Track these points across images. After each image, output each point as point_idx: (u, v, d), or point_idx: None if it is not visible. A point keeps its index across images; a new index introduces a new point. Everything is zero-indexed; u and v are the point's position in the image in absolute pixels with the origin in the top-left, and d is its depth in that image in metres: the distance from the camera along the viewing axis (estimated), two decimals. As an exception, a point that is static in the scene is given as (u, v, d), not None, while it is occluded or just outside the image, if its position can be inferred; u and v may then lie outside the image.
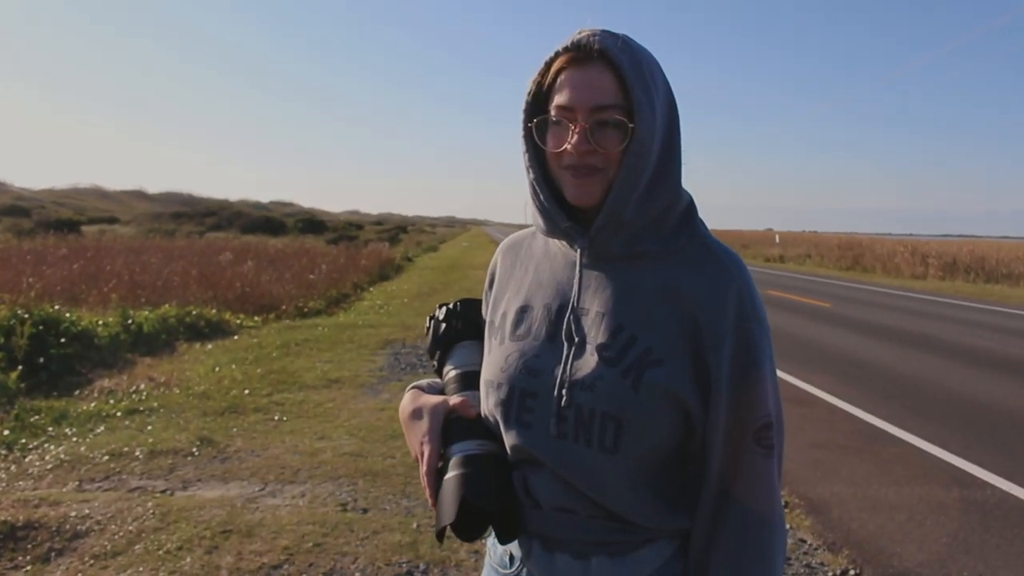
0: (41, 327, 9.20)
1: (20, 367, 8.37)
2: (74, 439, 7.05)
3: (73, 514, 5.24)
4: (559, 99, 1.48)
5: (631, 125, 1.43)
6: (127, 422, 7.51)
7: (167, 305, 13.09)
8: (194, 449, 6.69)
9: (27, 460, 6.66)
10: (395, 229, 60.70)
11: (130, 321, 11.01)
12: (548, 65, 1.52)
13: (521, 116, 1.56)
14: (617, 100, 1.43)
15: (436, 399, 1.61)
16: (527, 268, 1.69)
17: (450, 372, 1.68)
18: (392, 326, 14.14)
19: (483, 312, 1.77)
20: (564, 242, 1.61)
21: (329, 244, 36.17)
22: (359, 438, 7.05)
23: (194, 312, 12.84)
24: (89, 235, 34.39)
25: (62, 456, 6.60)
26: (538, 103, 1.54)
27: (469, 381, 1.65)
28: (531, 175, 1.56)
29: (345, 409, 8.08)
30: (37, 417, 7.52)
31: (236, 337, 12.54)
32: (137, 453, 6.58)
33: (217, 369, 9.77)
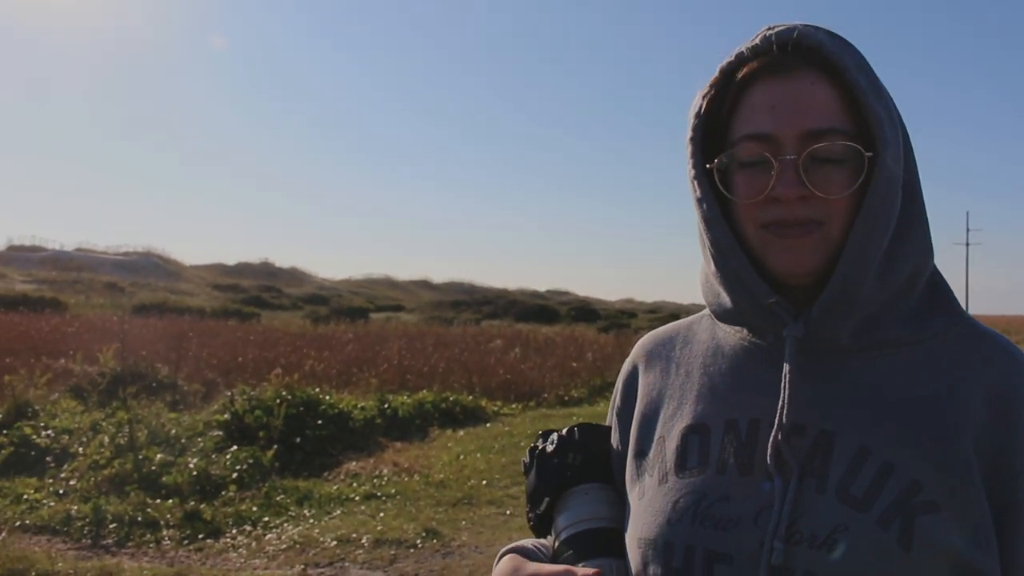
0: (301, 408, 9.62)
1: (276, 446, 8.73)
2: (311, 520, 7.17)
3: (286, 601, 5.20)
4: (749, 126, 1.03)
5: (868, 155, 0.99)
6: (363, 507, 7.56)
7: (425, 391, 13.40)
8: (419, 541, 6.55)
9: (266, 538, 6.83)
10: (668, 317, 60.05)
11: (386, 405, 11.32)
12: (727, 75, 1.06)
13: (686, 148, 1.10)
14: (839, 122, 1.00)
15: (551, 569, 1.07)
16: (689, 373, 1.16)
17: (564, 531, 1.15)
18: (648, 419, 13.64)
19: (614, 440, 1.24)
20: (746, 330, 1.11)
21: (600, 332, 36.24)
22: (588, 540, 6.63)
23: (451, 398, 13.04)
24: (375, 322, 36.75)
25: (296, 537, 6.71)
26: (713, 130, 1.08)
27: (597, 544, 1.12)
28: (711, 233, 1.07)
29: (581, 506, 7.69)
30: (283, 496, 7.76)
31: (489, 424, 12.56)
32: (364, 540, 6.54)
33: (461, 457, 9.74)
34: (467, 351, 21.27)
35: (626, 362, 1.29)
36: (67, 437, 9.32)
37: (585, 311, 54.50)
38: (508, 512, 7.49)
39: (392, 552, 6.34)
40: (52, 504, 7.73)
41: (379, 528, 6.83)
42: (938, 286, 1.09)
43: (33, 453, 9.05)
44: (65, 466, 8.65)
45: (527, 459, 1.24)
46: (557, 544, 1.15)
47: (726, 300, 1.09)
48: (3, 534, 6.93)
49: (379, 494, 7.93)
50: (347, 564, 6.13)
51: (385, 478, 8.55)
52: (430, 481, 8.44)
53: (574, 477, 1.18)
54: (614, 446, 1.24)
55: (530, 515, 1.22)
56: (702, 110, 1.08)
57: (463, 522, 7.15)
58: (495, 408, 14.09)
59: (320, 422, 9.70)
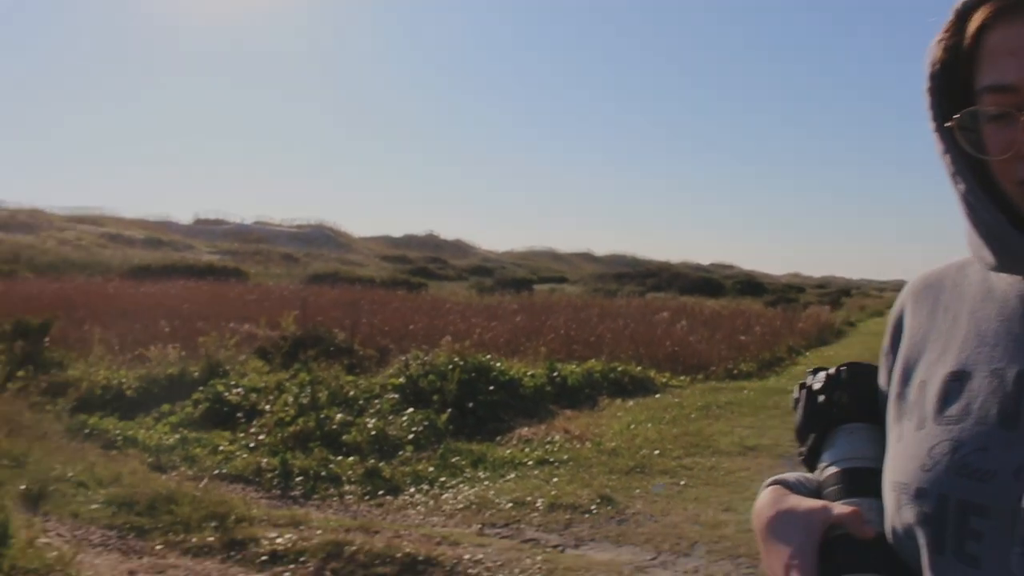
0: (473, 374, 9.77)
1: (450, 410, 8.91)
2: (486, 482, 7.28)
3: (467, 556, 5.29)
4: (990, 77, 0.94)
5: None
6: (536, 471, 7.61)
7: (593, 360, 13.38)
8: (593, 506, 6.54)
9: (443, 497, 6.99)
10: (837, 292, 57.55)
11: (555, 373, 11.37)
12: (961, 18, 0.98)
13: (925, 98, 1.03)
14: None
15: (810, 504, 1.07)
16: (956, 317, 1.11)
17: (829, 467, 1.16)
18: (823, 394, 13.12)
19: (880, 381, 1.21)
20: (1021, 278, 1.05)
21: (767, 306, 35.26)
22: (767, 514, 6.42)
23: (619, 368, 12.97)
24: (539, 293, 37.04)
25: (472, 498, 6.82)
26: (952, 75, 1.00)
27: (858, 482, 1.12)
28: (961, 186, 1.02)
29: (758, 480, 7.45)
30: (458, 458, 7.92)
31: (658, 395, 12.43)
32: (538, 504, 6.58)
33: (632, 426, 9.67)
34: (633, 323, 21.12)
35: (895, 304, 1.24)
36: (255, 395, 9.82)
37: (751, 285, 53.21)
38: (682, 483, 7.37)
39: (567, 516, 6.36)
40: (244, 456, 8.16)
41: (553, 493, 6.86)
42: None
43: (226, 409, 9.59)
44: (254, 422, 9.12)
45: (796, 394, 1.24)
46: (821, 479, 1.15)
47: (986, 253, 1.02)
48: (205, 480, 7.38)
49: (551, 460, 7.97)
50: (523, 526, 6.19)
51: (557, 444, 8.58)
52: (602, 449, 8.41)
53: (839, 415, 1.18)
54: (880, 386, 1.19)
55: (800, 449, 1.23)
56: (939, 58, 1.00)
57: (636, 490, 7.08)
58: (663, 380, 13.93)
59: (492, 388, 9.83)
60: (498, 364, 10.66)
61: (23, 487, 6.99)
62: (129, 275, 34.78)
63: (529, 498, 6.72)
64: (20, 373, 10.56)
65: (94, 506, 6.77)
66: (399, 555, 5.33)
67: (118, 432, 9.15)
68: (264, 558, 5.61)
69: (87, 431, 9.16)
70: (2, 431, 8.44)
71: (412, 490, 7.25)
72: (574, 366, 12.47)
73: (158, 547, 5.97)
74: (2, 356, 11.35)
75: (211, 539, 5.97)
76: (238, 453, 8.29)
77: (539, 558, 5.34)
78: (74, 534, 6.27)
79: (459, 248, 79.80)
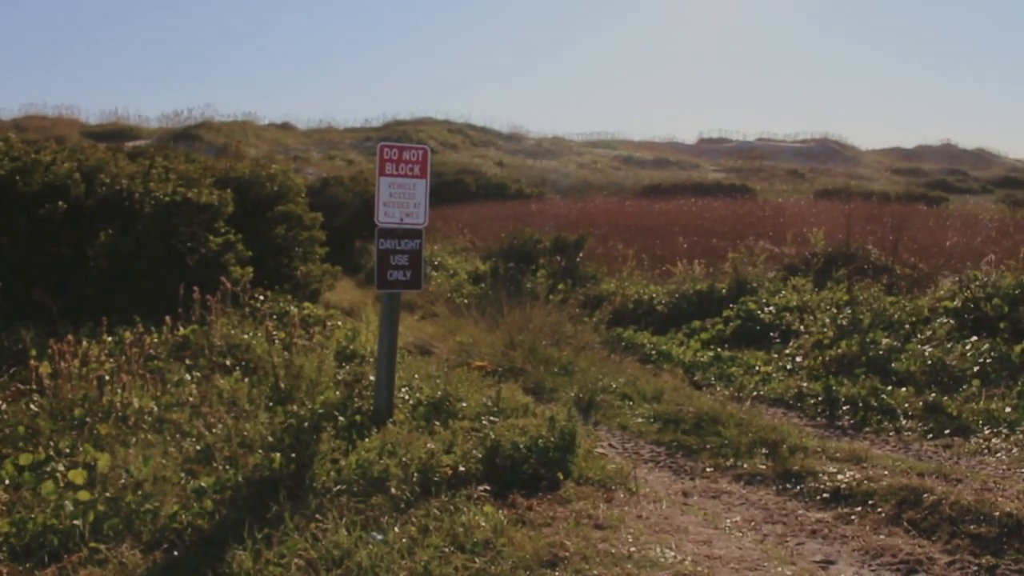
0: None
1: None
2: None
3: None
4: None
5: None
6: None
7: None
8: None
9: (1030, 445, 5.88)
10: None
11: None
12: None
13: None
14: None
15: None
16: None
17: None
18: None
19: None
20: None
21: None
22: None
23: None
24: (1095, 206, 31.56)
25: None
26: None
27: None
28: None
29: None
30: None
31: None
32: None
33: None
34: None
35: None
36: (788, 314, 9.29)
37: None
38: None
39: None
40: (782, 378, 7.71)
41: None
42: None
43: (758, 327, 9.21)
44: (790, 342, 8.61)
45: None
46: None
47: None
48: (747, 403, 7.06)
49: None
50: None
51: None
52: None
53: None
54: None
55: None
56: None
57: None
58: None
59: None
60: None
61: (573, 394, 7.24)
62: (641, 194, 36.14)
63: None
64: (561, 286, 11.16)
65: (639, 419, 6.78)
66: (996, 514, 4.47)
67: (651, 346, 9.23)
68: (825, 495, 5.09)
69: (623, 344, 9.38)
70: (550, 340, 8.91)
71: (986, 432, 6.22)
72: None
73: (708, 469, 5.75)
74: (545, 270, 12.13)
75: (763, 467, 5.59)
76: (775, 375, 7.86)
77: None
78: (624, 446, 6.30)
79: (980, 158, 71.14)
